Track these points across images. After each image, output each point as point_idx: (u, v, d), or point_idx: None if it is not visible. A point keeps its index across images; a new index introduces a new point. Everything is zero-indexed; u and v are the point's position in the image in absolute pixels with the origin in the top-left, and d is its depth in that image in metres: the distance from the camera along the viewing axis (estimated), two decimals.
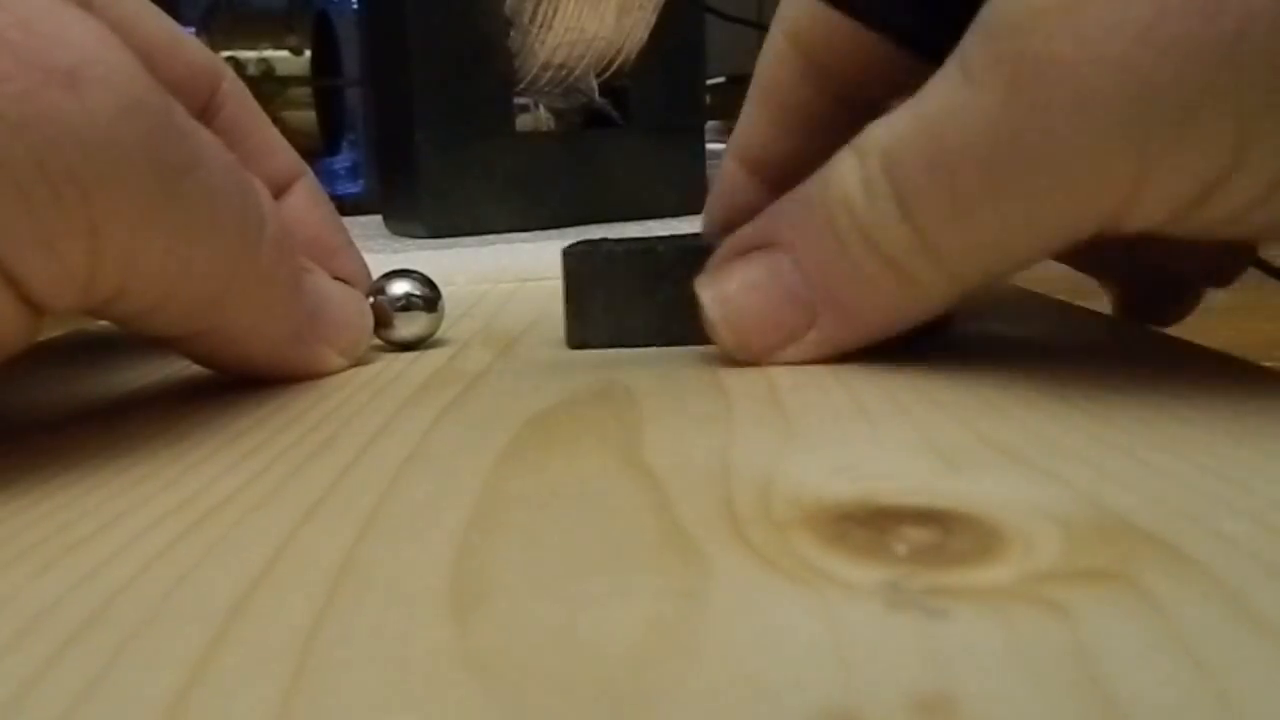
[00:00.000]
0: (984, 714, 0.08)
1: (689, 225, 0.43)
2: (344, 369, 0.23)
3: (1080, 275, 0.32)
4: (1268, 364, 0.20)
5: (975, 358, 0.21)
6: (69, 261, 0.15)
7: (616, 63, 0.47)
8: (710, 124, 0.66)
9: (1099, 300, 0.30)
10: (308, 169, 0.27)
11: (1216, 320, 0.29)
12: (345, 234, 0.27)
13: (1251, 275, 0.36)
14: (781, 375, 0.20)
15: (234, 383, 0.22)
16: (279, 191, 0.26)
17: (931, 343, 0.22)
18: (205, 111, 0.24)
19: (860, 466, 0.14)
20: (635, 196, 0.48)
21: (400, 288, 0.25)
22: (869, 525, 0.12)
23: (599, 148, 0.48)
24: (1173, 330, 0.23)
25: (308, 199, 0.26)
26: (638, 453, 0.15)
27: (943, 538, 0.11)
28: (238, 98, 0.25)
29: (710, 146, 0.55)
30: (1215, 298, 0.32)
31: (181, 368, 0.24)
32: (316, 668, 0.09)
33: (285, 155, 0.26)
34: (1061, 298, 0.28)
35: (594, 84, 0.47)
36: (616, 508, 0.13)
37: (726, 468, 0.15)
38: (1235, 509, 0.12)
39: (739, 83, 0.65)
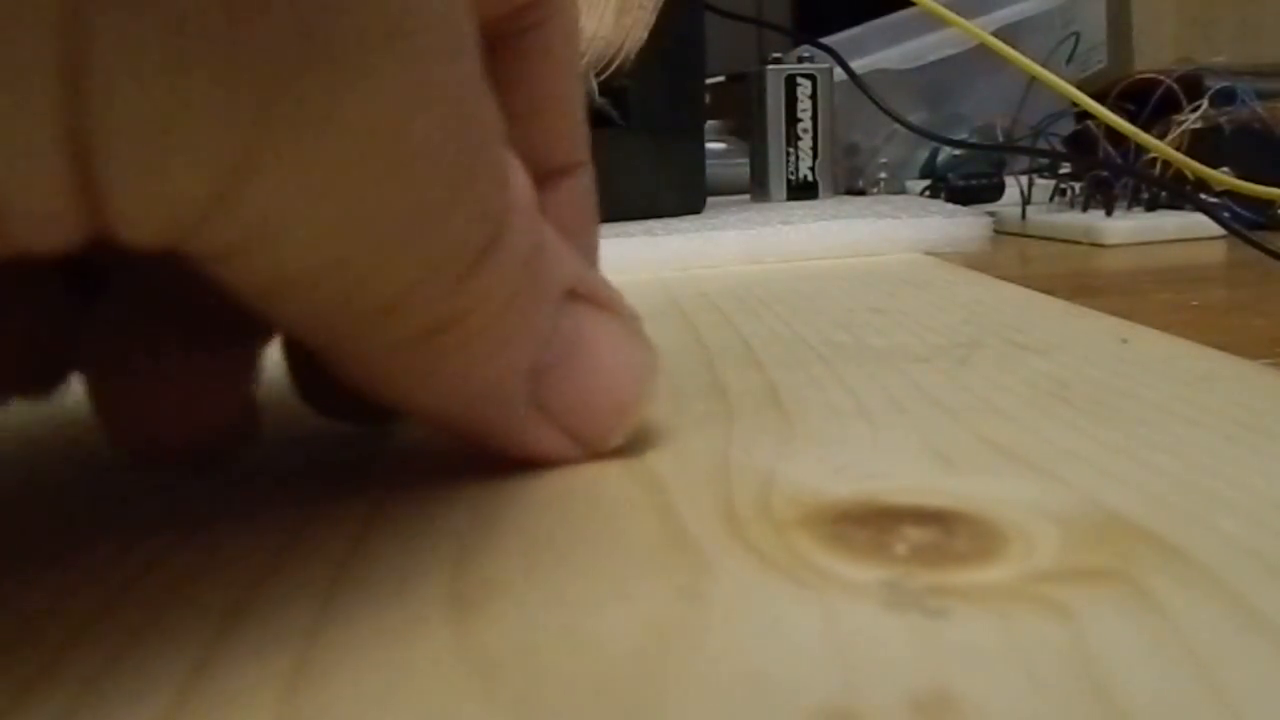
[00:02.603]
0: (984, 714, 0.08)
1: (689, 224, 0.43)
2: (575, 459, 0.15)
3: (1080, 275, 0.32)
4: (1266, 362, 0.20)
5: (975, 358, 0.21)
6: (193, 180, 0.10)
7: (616, 62, 0.47)
8: (710, 124, 0.66)
9: (1099, 300, 0.30)
10: (588, 163, 0.19)
11: (1215, 319, 0.29)
12: (594, 257, 0.19)
13: (1250, 273, 0.36)
14: (781, 375, 0.20)
15: None
16: (541, 182, 0.16)
17: (933, 343, 0.22)
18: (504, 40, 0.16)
19: (860, 466, 0.14)
20: (635, 196, 0.48)
21: None
22: (869, 525, 0.12)
23: (599, 148, 0.48)
24: (1172, 330, 0.23)
25: (570, 206, 0.18)
26: (638, 453, 0.15)
27: (943, 538, 0.11)
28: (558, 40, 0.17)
29: (710, 146, 0.55)
30: (1215, 296, 0.32)
31: None
32: (316, 668, 0.09)
33: (570, 139, 0.18)
34: (1061, 298, 0.28)
35: (594, 84, 0.47)
36: (617, 507, 0.13)
37: (726, 468, 0.15)
38: (1235, 509, 0.12)
39: (739, 81, 0.65)
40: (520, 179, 0.13)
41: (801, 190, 0.57)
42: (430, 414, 0.14)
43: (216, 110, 0.09)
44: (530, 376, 0.14)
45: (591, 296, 0.15)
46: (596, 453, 0.15)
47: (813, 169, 0.57)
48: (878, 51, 0.71)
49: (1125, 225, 0.46)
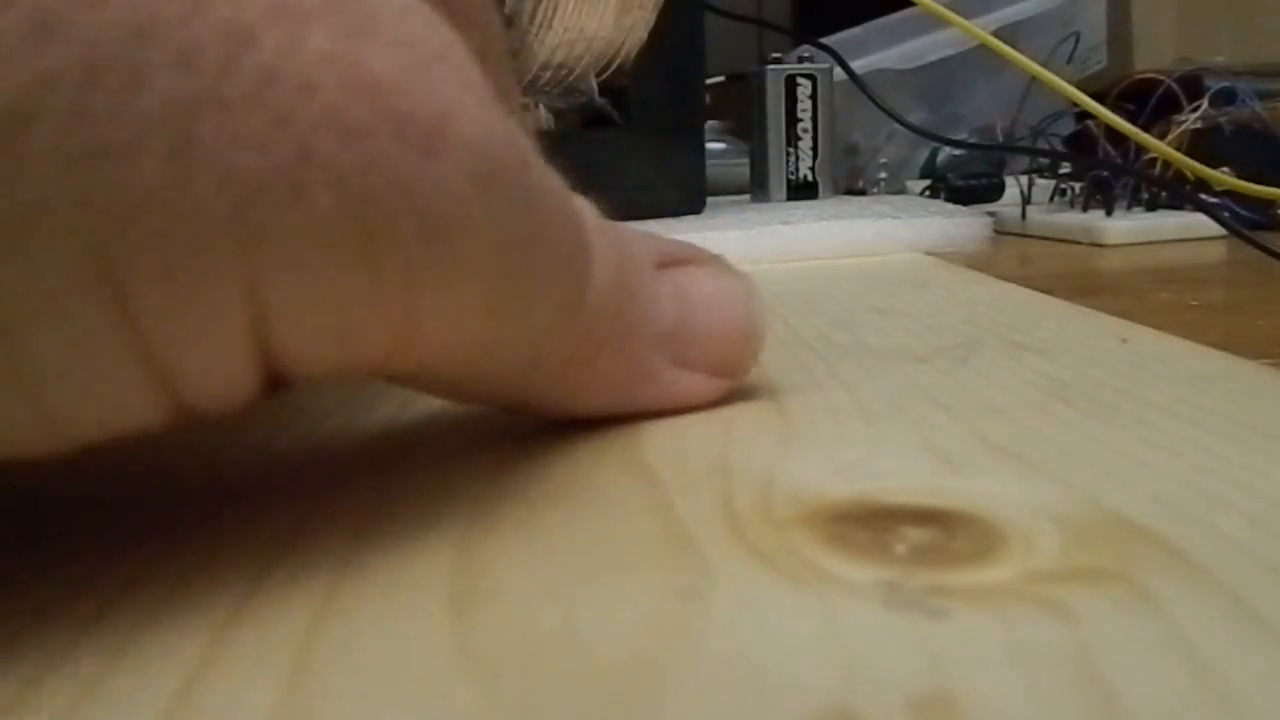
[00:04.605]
0: (984, 714, 0.08)
1: (689, 224, 0.43)
2: (724, 392, 0.18)
3: (1080, 275, 0.32)
4: (1266, 362, 0.20)
5: (975, 358, 0.21)
6: (368, 347, 0.12)
7: (616, 62, 0.47)
8: (710, 124, 0.66)
9: (1099, 300, 0.30)
10: None
11: (1215, 319, 0.29)
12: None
13: (1250, 273, 0.36)
14: (781, 375, 0.20)
15: None
16: None
17: (933, 344, 0.22)
18: None
19: (860, 466, 0.14)
20: (635, 196, 0.48)
21: None
22: (869, 525, 0.12)
23: (599, 148, 0.48)
24: (1172, 330, 0.23)
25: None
26: (638, 453, 0.15)
27: (943, 538, 0.11)
28: None
29: (710, 146, 0.55)
30: (1215, 296, 0.32)
31: None
32: (316, 667, 0.09)
33: None
34: (1062, 298, 0.28)
35: (593, 84, 0.47)
36: (616, 507, 0.13)
37: (726, 468, 0.15)
38: (1235, 509, 0.12)
39: (739, 81, 0.65)
40: (591, 216, 0.15)
41: (801, 190, 0.57)
42: (601, 412, 0.17)
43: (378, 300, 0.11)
44: (664, 344, 0.17)
45: (675, 258, 0.17)
46: (737, 383, 0.18)
47: (813, 169, 0.57)
48: (878, 51, 0.71)
49: (1125, 225, 0.46)
